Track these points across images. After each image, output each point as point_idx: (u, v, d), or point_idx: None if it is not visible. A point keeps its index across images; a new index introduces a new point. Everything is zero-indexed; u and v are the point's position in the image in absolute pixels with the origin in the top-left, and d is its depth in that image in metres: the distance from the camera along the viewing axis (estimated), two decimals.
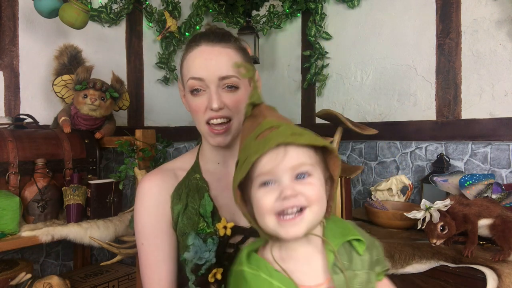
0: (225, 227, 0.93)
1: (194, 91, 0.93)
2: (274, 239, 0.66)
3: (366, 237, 0.70)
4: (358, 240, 0.68)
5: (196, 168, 1.02)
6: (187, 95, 0.97)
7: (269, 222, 0.63)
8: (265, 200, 0.63)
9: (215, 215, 0.95)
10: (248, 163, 0.62)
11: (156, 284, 0.95)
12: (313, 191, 0.63)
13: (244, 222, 0.97)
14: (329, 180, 0.69)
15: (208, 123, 0.94)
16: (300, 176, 0.63)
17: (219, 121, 0.93)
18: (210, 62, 0.91)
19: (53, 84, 1.72)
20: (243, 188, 0.67)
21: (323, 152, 0.67)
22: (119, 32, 2.16)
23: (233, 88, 0.93)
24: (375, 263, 0.70)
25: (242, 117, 0.95)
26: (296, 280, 0.63)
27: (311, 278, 0.65)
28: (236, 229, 0.95)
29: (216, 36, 0.94)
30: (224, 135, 0.94)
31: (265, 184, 0.64)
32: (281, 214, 0.62)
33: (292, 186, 0.62)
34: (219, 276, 0.93)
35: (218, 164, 1.03)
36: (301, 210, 0.62)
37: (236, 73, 0.93)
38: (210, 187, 0.99)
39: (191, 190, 0.98)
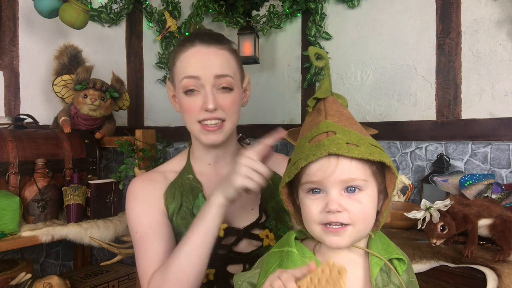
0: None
1: (188, 91, 0.92)
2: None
3: (406, 258, 0.69)
4: (399, 259, 0.67)
5: (188, 168, 1.01)
6: (179, 95, 0.94)
7: (315, 230, 0.63)
8: (312, 209, 0.62)
9: None
10: (296, 168, 0.61)
11: (150, 259, 0.89)
12: (359, 209, 0.61)
13: (237, 224, 0.97)
14: (382, 193, 0.67)
15: (200, 122, 0.92)
16: (350, 190, 0.61)
17: (213, 122, 0.91)
18: (206, 61, 0.91)
19: (53, 84, 1.72)
20: (292, 186, 0.67)
21: (381, 163, 0.64)
22: (119, 32, 2.16)
23: (228, 89, 0.92)
24: (410, 285, 0.69)
25: (236, 118, 0.95)
26: None
27: (348, 283, 0.64)
28: (229, 231, 0.94)
29: (211, 38, 0.94)
30: (217, 132, 0.93)
31: (313, 191, 0.63)
32: (326, 223, 0.61)
33: (339, 200, 0.61)
34: (211, 277, 0.93)
35: (209, 165, 1.02)
36: (345, 224, 0.61)
37: (231, 73, 0.92)
38: (204, 187, 0.98)
39: (185, 190, 0.97)
